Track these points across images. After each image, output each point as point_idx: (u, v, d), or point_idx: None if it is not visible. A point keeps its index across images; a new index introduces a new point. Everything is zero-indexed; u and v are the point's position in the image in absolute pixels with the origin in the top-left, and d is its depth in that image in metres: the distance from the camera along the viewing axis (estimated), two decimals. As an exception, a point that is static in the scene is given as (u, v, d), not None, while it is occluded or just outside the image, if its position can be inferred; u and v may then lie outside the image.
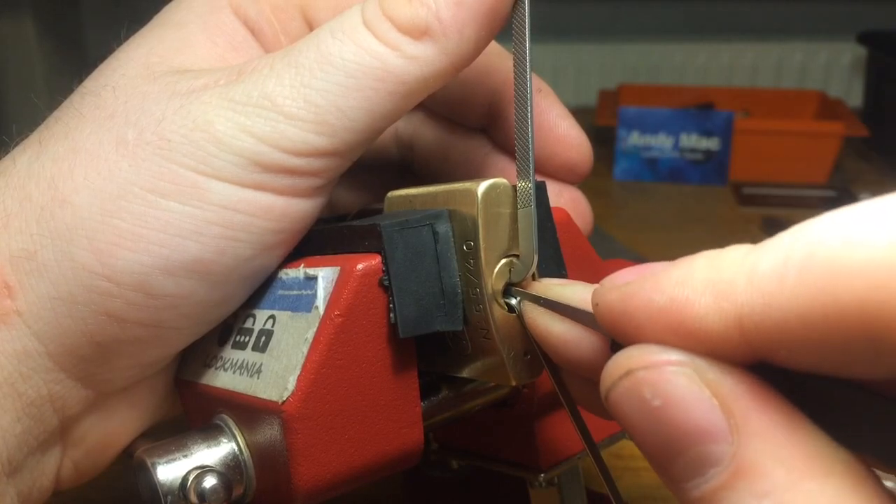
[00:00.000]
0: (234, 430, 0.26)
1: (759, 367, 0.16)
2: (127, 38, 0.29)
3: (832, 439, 0.16)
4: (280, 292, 0.27)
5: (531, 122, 0.24)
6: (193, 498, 0.24)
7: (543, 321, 0.22)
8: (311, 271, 0.26)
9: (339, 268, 0.25)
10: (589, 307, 0.20)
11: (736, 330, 0.15)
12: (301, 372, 0.24)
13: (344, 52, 0.24)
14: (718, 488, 0.16)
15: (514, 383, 0.25)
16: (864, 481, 0.15)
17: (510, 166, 0.32)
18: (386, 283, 0.24)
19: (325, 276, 0.25)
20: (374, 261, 0.24)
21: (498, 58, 0.31)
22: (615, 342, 0.18)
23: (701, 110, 1.06)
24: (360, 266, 0.24)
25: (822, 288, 0.14)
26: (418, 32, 0.24)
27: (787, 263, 0.14)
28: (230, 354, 0.27)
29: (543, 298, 0.22)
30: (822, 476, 0.15)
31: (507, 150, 0.33)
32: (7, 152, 0.28)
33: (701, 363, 0.16)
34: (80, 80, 0.28)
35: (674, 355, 0.16)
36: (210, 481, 0.25)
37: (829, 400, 0.16)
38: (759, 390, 0.16)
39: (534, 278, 0.24)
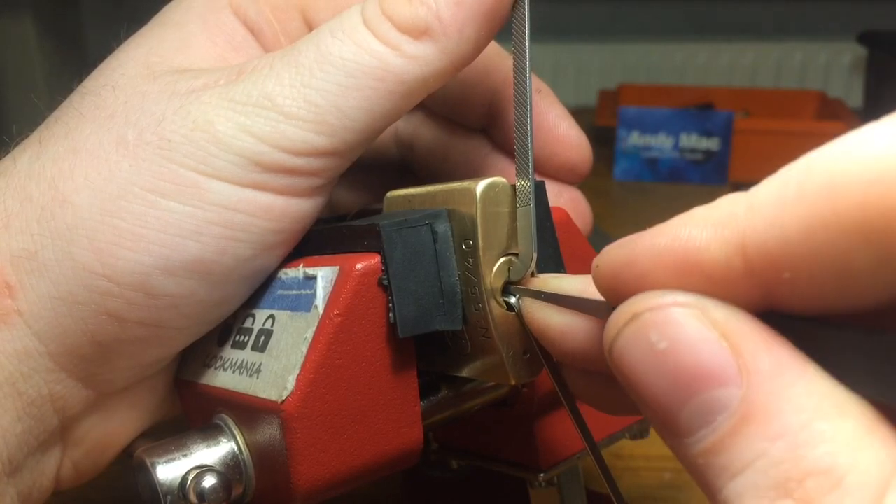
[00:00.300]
0: (233, 429, 0.26)
1: (764, 316, 0.16)
2: (127, 37, 0.29)
3: (845, 385, 0.15)
4: (279, 292, 0.27)
5: (531, 120, 0.24)
6: (193, 497, 0.24)
7: (542, 314, 0.22)
8: (310, 271, 0.26)
9: (338, 267, 0.25)
10: (586, 294, 0.21)
11: (739, 257, 0.15)
12: (300, 371, 0.24)
13: (344, 52, 0.24)
14: (726, 435, 0.15)
15: (513, 382, 0.25)
16: (878, 422, 0.15)
17: (510, 166, 0.32)
18: (385, 282, 0.24)
19: (324, 276, 0.25)
20: (374, 260, 0.24)
21: (497, 58, 0.31)
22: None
23: (701, 110, 1.06)
24: (359, 266, 0.24)
25: (821, 197, 0.14)
26: (418, 32, 0.24)
27: (787, 183, 0.14)
28: (229, 354, 0.27)
29: (542, 292, 0.22)
30: (836, 416, 0.15)
31: (507, 150, 0.33)
32: (7, 152, 0.28)
33: (708, 303, 0.16)
34: (80, 80, 0.28)
35: (680, 296, 0.16)
36: (209, 481, 0.25)
37: (831, 345, 0.15)
38: (767, 331, 0.16)
39: (532, 277, 0.24)
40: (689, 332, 0.16)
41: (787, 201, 0.14)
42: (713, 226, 0.16)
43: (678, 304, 0.16)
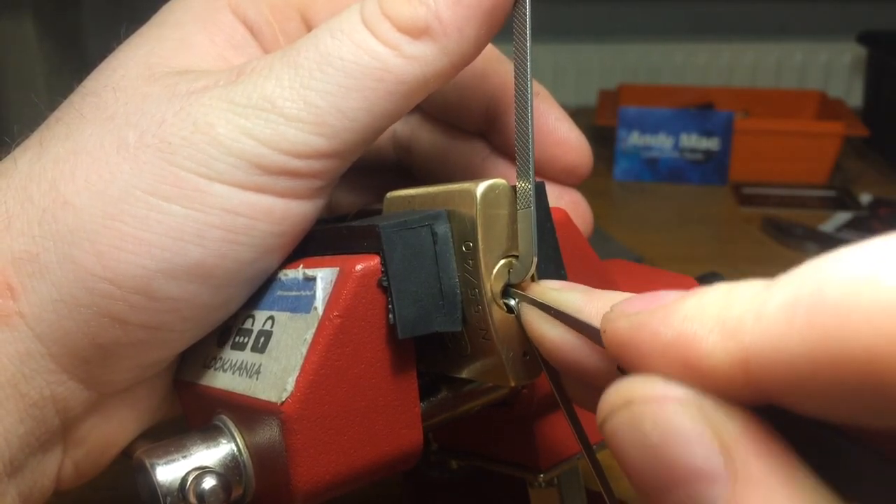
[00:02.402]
0: (233, 430, 0.26)
1: (766, 409, 0.16)
2: (127, 37, 0.29)
3: (833, 493, 0.15)
4: (279, 293, 0.27)
5: (531, 120, 0.24)
6: (192, 499, 0.24)
7: (539, 325, 0.22)
8: (310, 272, 0.26)
9: (337, 269, 0.25)
10: (583, 315, 0.20)
11: (742, 370, 0.15)
12: (300, 373, 0.24)
13: (343, 52, 0.24)
14: None
15: (512, 384, 0.25)
16: None
17: (509, 170, 0.32)
18: (385, 283, 0.24)
19: (323, 277, 0.25)
20: (373, 261, 0.24)
21: (496, 62, 0.31)
22: (622, 370, 0.18)
23: (701, 110, 1.06)
24: (358, 267, 0.24)
25: (829, 333, 0.13)
26: (418, 32, 0.24)
27: (796, 305, 0.14)
28: (229, 355, 0.27)
29: (541, 303, 0.22)
30: None
31: (506, 153, 0.33)
32: (8, 153, 0.28)
33: (705, 402, 0.16)
34: (80, 81, 0.28)
35: (678, 391, 0.16)
36: (209, 482, 0.25)
37: (831, 451, 0.15)
38: (763, 435, 0.16)
39: (533, 279, 0.24)
40: (681, 429, 0.16)
41: (794, 328, 0.14)
42: (719, 332, 0.15)
43: (674, 400, 0.16)
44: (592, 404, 0.22)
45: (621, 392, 0.17)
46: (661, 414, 0.16)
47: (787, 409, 0.15)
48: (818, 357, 0.13)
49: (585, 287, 0.22)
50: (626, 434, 0.16)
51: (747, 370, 0.15)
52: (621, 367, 0.18)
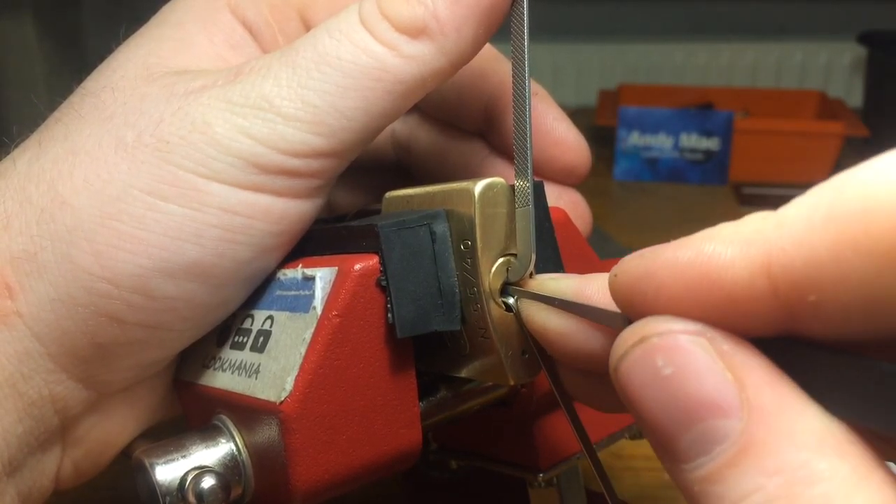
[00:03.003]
0: (232, 430, 0.26)
1: (778, 344, 0.16)
2: (126, 37, 0.29)
3: (842, 422, 0.15)
4: (278, 293, 0.27)
5: (529, 119, 0.24)
6: (192, 498, 0.24)
7: (540, 316, 0.22)
8: (308, 272, 0.26)
9: (336, 268, 0.25)
10: (583, 297, 0.21)
11: (764, 277, 0.15)
12: (299, 372, 0.24)
13: (341, 52, 0.24)
14: (724, 466, 0.15)
15: (512, 383, 0.25)
16: (876, 464, 0.15)
17: (508, 170, 0.32)
18: (383, 283, 0.24)
19: (322, 277, 0.25)
20: (372, 261, 0.24)
21: (494, 62, 0.31)
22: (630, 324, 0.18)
23: (701, 110, 1.06)
24: (357, 266, 0.24)
25: (853, 219, 0.13)
26: (416, 31, 0.24)
27: (817, 203, 0.14)
28: (228, 355, 0.27)
29: (540, 294, 0.22)
30: (835, 456, 0.15)
31: (505, 153, 0.33)
32: (7, 153, 0.28)
33: (717, 334, 0.16)
34: (80, 81, 0.28)
35: (690, 325, 0.16)
36: (208, 482, 0.25)
37: (842, 373, 0.15)
38: (772, 369, 0.16)
39: (531, 277, 0.24)
40: (695, 361, 0.16)
41: (817, 221, 0.14)
42: (739, 243, 0.15)
43: (687, 332, 0.16)
44: (593, 397, 0.22)
45: (634, 330, 0.17)
46: (673, 346, 0.16)
47: (805, 334, 0.15)
48: (840, 248, 0.14)
49: (580, 275, 0.22)
50: (639, 372, 0.16)
51: (770, 276, 0.15)
52: (632, 316, 0.18)
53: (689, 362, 0.16)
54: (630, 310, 0.18)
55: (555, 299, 0.22)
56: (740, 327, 0.16)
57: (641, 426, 0.17)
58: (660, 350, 0.16)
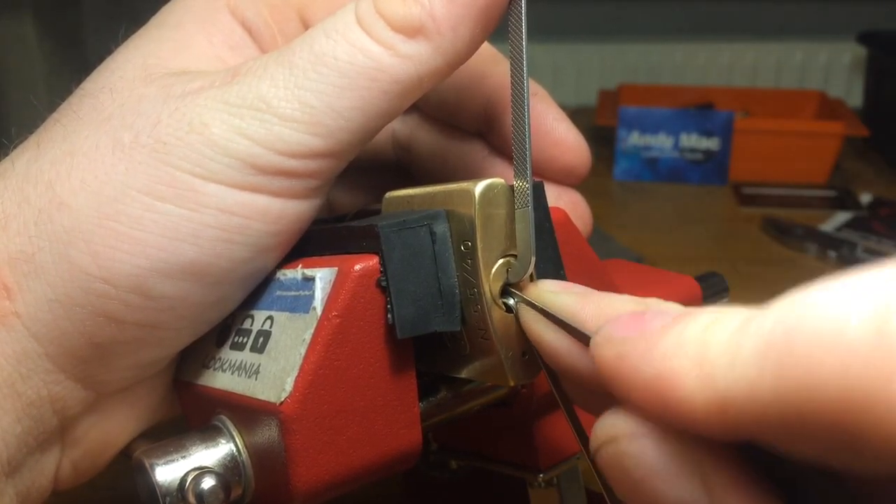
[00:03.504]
0: (232, 431, 0.26)
1: (744, 446, 0.16)
2: (126, 38, 0.29)
3: None
4: (278, 293, 0.27)
5: (528, 120, 0.24)
6: (192, 499, 0.24)
7: (537, 327, 0.22)
8: (308, 272, 0.26)
9: (336, 268, 0.25)
10: (577, 320, 0.21)
11: (719, 414, 0.15)
12: (299, 373, 0.24)
13: (337, 52, 0.24)
14: None
15: (512, 384, 0.25)
16: None
17: (508, 170, 0.32)
18: (384, 283, 0.24)
19: (322, 277, 0.25)
20: (372, 261, 0.24)
21: (493, 62, 0.31)
22: None
23: (701, 110, 1.06)
24: (357, 267, 0.24)
25: (797, 384, 0.13)
26: (412, 31, 0.24)
27: (767, 351, 0.14)
28: (228, 355, 0.27)
29: (537, 305, 0.22)
30: None
31: (504, 154, 0.33)
32: (6, 154, 0.28)
33: (685, 438, 0.16)
34: (79, 82, 0.28)
35: (657, 430, 0.17)
36: (208, 482, 0.25)
37: (806, 486, 0.16)
38: (741, 473, 0.16)
39: (531, 279, 0.24)
40: (661, 466, 0.16)
41: (766, 374, 0.14)
42: (696, 377, 0.15)
43: (654, 437, 0.17)
44: (591, 405, 0.22)
45: (605, 428, 0.18)
46: (641, 451, 0.17)
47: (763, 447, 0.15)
48: (788, 404, 0.14)
49: (582, 288, 0.22)
50: (612, 469, 0.17)
51: (724, 414, 0.15)
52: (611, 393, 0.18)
53: (657, 466, 0.16)
54: (609, 390, 0.18)
55: (550, 314, 0.22)
56: (705, 437, 0.16)
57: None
58: (628, 453, 0.17)
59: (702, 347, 0.16)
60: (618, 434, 0.17)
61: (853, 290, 0.13)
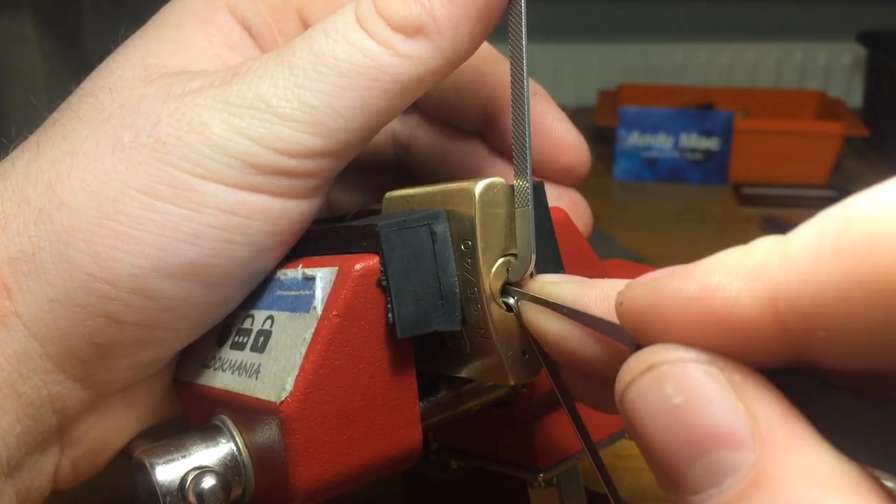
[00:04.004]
0: (232, 430, 0.26)
1: (790, 377, 0.16)
2: (126, 38, 0.29)
3: (852, 459, 0.15)
4: (278, 293, 0.27)
5: (528, 119, 0.24)
6: (192, 498, 0.24)
7: (539, 319, 0.22)
8: (309, 272, 0.26)
9: (336, 268, 0.25)
10: (582, 304, 0.20)
11: (770, 312, 0.14)
12: (299, 372, 0.24)
13: (337, 52, 0.24)
14: (734, 499, 0.15)
15: (512, 383, 0.25)
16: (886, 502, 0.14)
17: (507, 170, 0.32)
18: (384, 283, 0.24)
19: (322, 277, 0.25)
20: (372, 261, 0.24)
21: (493, 62, 0.31)
22: (638, 348, 0.17)
23: (701, 110, 1.06)
24: (357, 266, 0.24)
25: (858, 256, 0.13)
26: (412, 30, 0.24)
27: (823, 236, 0.14)
28: (228, 355, 0.27)
29: (540, 298, 0.22)
30: (848, 493, 0.14)
31: (504, 154, 0.33)
32: (6, 154, 0.28)
33: (729, 364, 0.16)
34: (79, 82, 0.28)
35: (701, 354, 0.16)
36: (209, 482, 0.25)
37: (853, 415, 0.15)
38: (783, 401, 0.15)
39: (531, 278, 0.24)
40: (706, 390, 0.15)
41: (823, 256, 0.14)
42: (744, 276, 0.15)
43: (698, 361, 0.16)
44: (593, 398, 0.22)
45: (643, 357, 0.16)
46: (684, 375, 0.16)
47: (815, 365, 0.15)
48: (848, 286, 0.13)
49: (581, 278, 0.22)
50: (648, 400, 0.16)
51: (776, 311, 0.14)
52: (639, 341, 0.17)
53: (700, 392, 0.15)
54: (637, 336, 0.17)
55: (553, 303, 0.22)
56: (749, 358, 0.16)
57: (647, 456, 0.16)
58: (670, 378, 0.16)
59: (745, 255, 0.15)
60: (658, 360, 0.16)
61: None
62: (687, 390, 0.16)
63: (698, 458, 0.15)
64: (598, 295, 0.20)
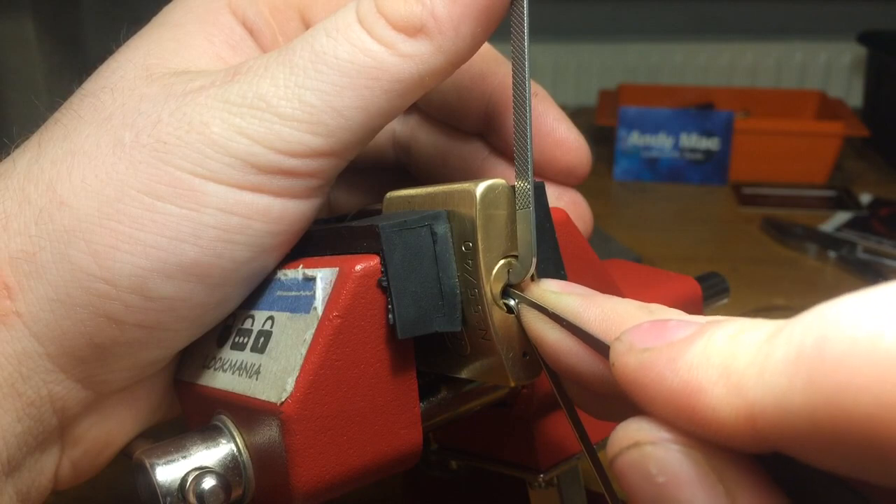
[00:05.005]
0: (232, 431, 0.26)
1: (767, 457, 0.16)
2: (127, 38, 0.29)
3: None
4: (279, 293, 0.27)
5: (529, 120, 0.24)
6: (192, 499, 0.24)
7: (538, 327, 0.22)
8: (309, 272, 0.26)
9: (337, 269, 0.25)
10: (581, 320, 0.21)
11: (747, 425, 0.15)
12: (299, 373, 0.24)
13: (338, 51, 0.24)
14: None
15: (512, 384, 0.25)
16: None
17: (508, 171, 0.32)
18: (384, 283, 0.24)
19: (323, 277, 0.25)
20: (373, 262, 0.24)
21: (494, 63, 0.31)
22: None
23: (701, 110, 1.06)
24: (358, 267, 0.24)
25: (829, 394, 0.13)
26: (413, 30, 0.24)
27: (798, 361, 0.14)
28: (229, 355, 0.27)
29: (538, 305, 0.22)
30: None
31: (505, 154, 0.33)
32: (7, 154, 0.28)
33: (709, 447, 0.16)
34: (80, 82, 0.28)
35: (682, 436, 0.16)
36: (209, 482, 0.25)
37: (827, 497, 0.16)
38: (764, 483, 0.16)
39: (532, 279, 0.24)
40: (686, 473, 0.16)
41: (797, 385, 0.14)
42: (724, 386, 0.15)
43: (679, 443, 0.16)
44: (591, 406, 0.22)
45: (629, 432, 0.17)
46: (666, 458, 0.16)
47: (791, 458, 0.15)
48: (819, 416, 0.13)
49: (584, 289, 0.22)
50: (634, 474, 0.17)
51: (753, 425, 0.15)
52: (630, 401, 0.18)
53: (681, 473, 0.16)
54: (629, 398, 0.18)
55: (552, 314, 0.22)
56: (730, 448, 0.16)
57: None
58: (652, 459, 0.17)
59: (729, 358, 0.15)
60: (642, 439, 0.17)
61: (886, 301, 0.13)
62: (668, 472, 0.16)
63: None
64: (599, 314, 0.20)
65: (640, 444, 0.17)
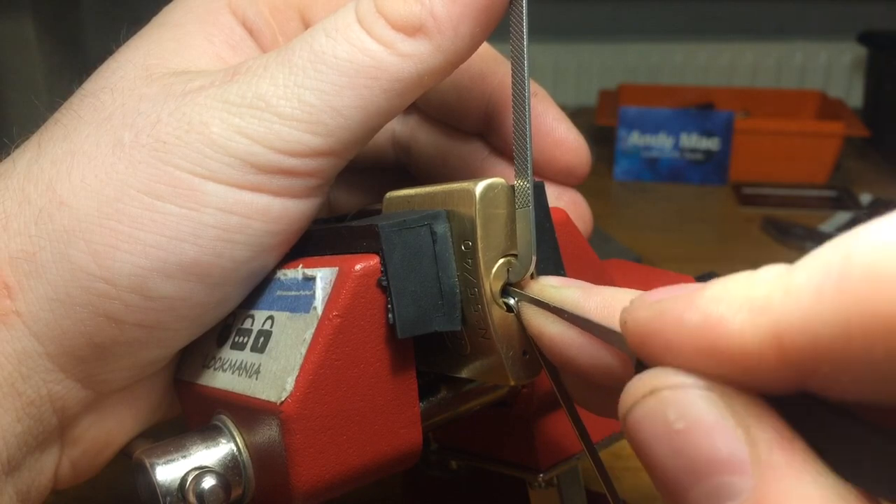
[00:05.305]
0: (232, 430, 0.26)
1: (785, 402, 0.16)
2: (127, 38, 0.29)
3: (851, 483, 0.15)
4: (278, 293, 0.27)
5: (529, 120, 0.24)
6: (192, 499, 0.24)
7: (539, 322, 0.22)
8: (309, 272, 0.26)
9: (337, 268, 0.25)
10: (582, 310, 0.20)
11: (773, 347, 0.14)
12: (299, 373, 0.24)
13: (337, 51, 0.24)
14: None
15: (512, 383, 0.25)
16: None
17: (508, 171, 0.32)
18: (384, 283, 0.24)
19: (323, 277, 0.25)
20: (373, 261, 0.24)
21: (494, 62, 0.31)
22: (640, 363, 0.18)
23: (701, 110, 1.06)
24: (358, 266, 0.24)
25: (859, 300, 0.13)
26: (412, 29, 0.24)
27: (825, 273, 0.14)
28: (229, 355, 0.27)
29: (540, 301, 0.22)
30: None
31: (505, 154, 0.33)
32: (7, 154, 0.28)
33: (728, 391, 0.16)
34: (80, 82, 0.28)
35: (701, 380, 0.16)
36: (209, 482, 0.25)
37: (851, 441, 0.15)
38: (784, 428, 0.15)
39: (532, 278, 0.24)
40: (707, 416, 0.16)
41: (825, 294, 0.14)
42: (748, 310, 0.15)
43: (699, 387, 0.16)
44: (592, 402, 0.22)
45: (645, 381, 0.17)
46: (685, 402, 0.16)
47: (812, 393, 0.15)
48: (850, 325, 0.13)
49: (583, 282, 0.22)
50: (649, 424, 0.16)
51: (779, 347, 0.14)
52: (642, 359, 0.17)
53: (701, 417, 0.16)
54: (641, 355, 0.17)
55: (554, 307, 0.22)
56: (752, 386, 0.16)
57: (650, 475, 0.17)
58: (671, 404, 0.16)
59: (749, 287, 0.15)
60: (660, 385, 0.16)
61: None
62: (688, 416, 0.16)
63: (699, 482, 0.15)
64: (600, 302, 0.20)
65: (658, 389, 0.16)
